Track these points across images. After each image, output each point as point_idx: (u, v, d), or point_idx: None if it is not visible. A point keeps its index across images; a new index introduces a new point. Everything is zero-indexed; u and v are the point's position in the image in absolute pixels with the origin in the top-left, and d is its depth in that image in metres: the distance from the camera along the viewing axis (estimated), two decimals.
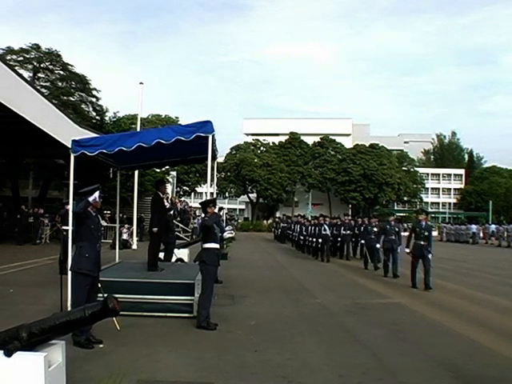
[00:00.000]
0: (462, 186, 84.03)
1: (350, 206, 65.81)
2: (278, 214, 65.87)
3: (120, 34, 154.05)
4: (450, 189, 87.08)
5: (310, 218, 28.39)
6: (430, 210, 74.81)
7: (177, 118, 46.64)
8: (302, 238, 24.63)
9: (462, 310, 10.30)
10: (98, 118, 37.88)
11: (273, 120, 77.07)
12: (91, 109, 38.09)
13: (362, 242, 19.50)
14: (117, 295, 4.81)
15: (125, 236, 23.96)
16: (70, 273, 6.84)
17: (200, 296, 8.04)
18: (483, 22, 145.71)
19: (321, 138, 68.72)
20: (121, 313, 4.88)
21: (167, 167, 31.54)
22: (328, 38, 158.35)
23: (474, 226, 42.70)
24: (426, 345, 7.35)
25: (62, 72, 37.21)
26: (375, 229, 18.08)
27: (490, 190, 72.33)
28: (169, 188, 37.51)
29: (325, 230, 20.37)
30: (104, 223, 25.32)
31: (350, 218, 24.43)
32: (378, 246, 16.19)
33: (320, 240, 20.53)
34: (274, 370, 5.87)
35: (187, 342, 7.02)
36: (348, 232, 21.49)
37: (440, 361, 6.47)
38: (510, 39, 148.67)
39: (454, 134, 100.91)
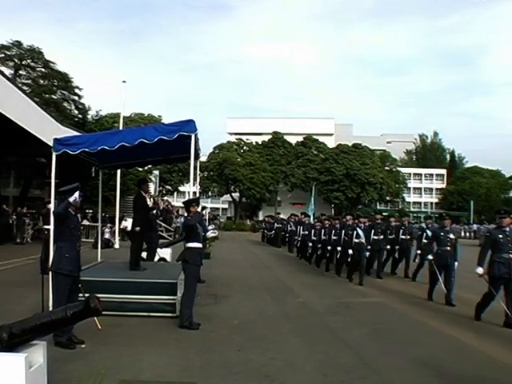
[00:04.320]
0: (444, 185, 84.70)
1: (333, 205, 66.03)
2: (260, 214, 66.00)
3: (103, 32, 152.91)
4: (431, 189, 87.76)
5: (311, 217, 26.21)
6: (412, 209, 75.45)
7: (160, 116, 46.37)
8: (310, 244, 18.81)
9: (444, 308, 10.38)
10: (80, 116, 37.63)
11: (256, 119, 76.98)
12: (73, 107, 37.83)
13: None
14: (99, 295, 4.78)
15: (107, 235, 23.81)
16: (50, 273, 6.78)
17: (183, 295, 8.03)
18: (464, 24, 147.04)
19: (304, 138, 68.78)
20: (103, 313, 4.84)
21: (150, 166, 31.37)
22: (311, 39, 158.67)
23: (457, 226, 43.34)
24: (409, 343, 7.41)
25: (43, 69, 36.86)
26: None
27: (472, 189, 73.03)
28: (151, 187, 37.32)
29: (358, 236, 13.94)
30: (86, 222, 25.21)
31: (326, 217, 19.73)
32: (430, 257, 11.73)
33: (350, 251, 13.94)
34: (257, 370, 5.87)
35: (170, 341, 7.00)
36: (380, 236, 15.41)
37: (423, 359, 6.52)
38: (489, 41, 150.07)
39: (436, 134, 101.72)
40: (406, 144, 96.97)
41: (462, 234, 43.62)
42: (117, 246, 22.60)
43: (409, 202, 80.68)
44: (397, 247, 15.89)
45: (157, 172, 44.20)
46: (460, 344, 7.49)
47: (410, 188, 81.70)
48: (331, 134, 75.86)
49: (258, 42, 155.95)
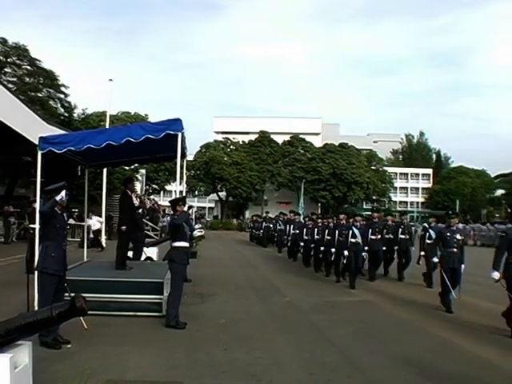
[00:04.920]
0: (430, 185, 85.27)
1: (320, 204, 66.19)
2: (247, 213, 65.96)
3: (90, 30, 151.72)
4: (417, 188, 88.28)
5: (301, 215, 25.11)
6: (398, 208, 75.75)
7: (146, 115, 46.10)
8: (302, 244, 17.81)
9: (430, 307, 10.44)
10: (66, 114, 37.32)
11: (243, 118, 76.92)
12: (59, 105, 37.50)
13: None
14: (85, 294, 4.76)
15: (93, 235, 23.66)
16: (36, 272, 6.75)
17: (169, 295, 8.02)
18: (453, 25, 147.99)
19: (290, 137, 68.79)
20: (89, 312, 4.83)
21: (136, 165, 31.23)
22: (300, 38, 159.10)
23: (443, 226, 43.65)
24: (395, 342, 7.46)
25: (29, 67, 36.50)
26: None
27: (457, 189, 73.55)
28: (138, 186, 37.14)
29: (354, 236, 13.14)
30: (72, 221, 25.04)
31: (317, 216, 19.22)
32: (435, 259, 10.94)
33: (346, 252, 12.98)
34: (243, 369, 5.89)
35: (156, 341, 7.00)
36: (378, 236, 14.59)
37: (408, 358, 6.58)
38: (478, 42, 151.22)
39: (422, 134, 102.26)
40: (392, 144, 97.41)
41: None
42: (103, 245, 22.49)
43: (395, 202, 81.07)
44: (395, 247, 14.86)
45: (143, 171, 43.95)
46: (445, 343, 7.56)
47: (396, 187, 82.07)
48: (318, 134, 76.08)
49: (246, 42, 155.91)
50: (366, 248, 13.64)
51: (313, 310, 9.78)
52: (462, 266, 10.46)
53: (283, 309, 9.87)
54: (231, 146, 67.62)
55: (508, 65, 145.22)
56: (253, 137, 69.20)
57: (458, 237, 10.64)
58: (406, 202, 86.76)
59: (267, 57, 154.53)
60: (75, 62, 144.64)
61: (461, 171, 79.34)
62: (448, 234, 10.56)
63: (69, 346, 6.47)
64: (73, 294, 5.05)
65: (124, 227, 10.43)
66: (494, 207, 73.17)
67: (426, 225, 14.93)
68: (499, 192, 78.04)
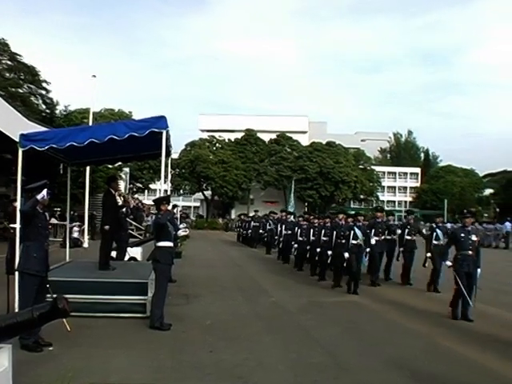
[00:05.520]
0: (418, 184, 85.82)
1: (306, 204, 66.32)
2: (233, 212, 65.97)
3: (73, 25, 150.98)
4: (406, 187, 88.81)
5: (291, 214, 23.53)
6: (386, 208, 76.11)
7: (130, 112, 45.91)
8: (296, 245, 16.81)
9: (420, 308, 10.48)
10: (48, 111, 36.99)
11: (229, 116, 76.84)
12: (41, 101, 37.17)
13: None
14: (67, 295, 4.73)
15: (76, 234, 23.53)
16: (17, 273, 6.69)
17: (153, 295, 8.00)
18: (440, 24, 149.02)
19: (277, 136, 68.83)
20: (71, 314, 4.79)
21: (120, 163, 31.08)
22: (287, 35, 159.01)
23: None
24: (383, 344, 7.50)
25: (9, 62, 36.10)
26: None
27: (445, 188, 74.06)
28: (121, 185, 37.00)
29: (356, 237, 12.38)
30: (54, 221, 24.87)
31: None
32: (448, 263, 10.07)
33: (347, 254, 12.15)
34: (229, 371, 5.89)
35: (140, 342, 6.97)
36: (381, 237, 14.01)
37: (397, 360, 6.61)
38: (464, 40, 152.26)
39: (410, 132, 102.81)
40: (380, 142, 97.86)
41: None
42: (86, 245, 22.37)
43: (383, 201, 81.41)
44: (401, 249, 14.00)
45: (127, 169, 43.79)
46: (436, 345, 7.60)
47: (384, 186, 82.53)
48: (305, 132, 76.23)
49: (234, 39, 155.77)
50: (368, 250, 12.77)
51: (299, 311, 9.80)
52: (478, 270, 9.49)
53: (269, 309, 9.89)
54: (217, 145, 67.57)
55: (496, 63, 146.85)
56: (239, 135, 69.16)
57: (474, 238, 9.76)
58: (393, 202, 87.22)
59: (254, 54, 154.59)
60: (57, 57, 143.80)
61: (449, 170, 79.94)
62: (462, 234, 9.69)
63: (51, 348, 6.42)
64: (55, 295, 5.02)
65: (107, 227, 10.37)
66: (483, 207, 73.71)
67: (433, 224, 13.93)
68: (488, 191, 78.82)
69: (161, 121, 8.40)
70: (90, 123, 21.87)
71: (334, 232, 13.29)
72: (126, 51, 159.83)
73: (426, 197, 77.90)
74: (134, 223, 30.07)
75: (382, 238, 13.96)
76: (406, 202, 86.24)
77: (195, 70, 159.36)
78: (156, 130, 8.31)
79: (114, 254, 11.75)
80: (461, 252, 9.60)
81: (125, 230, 13.20)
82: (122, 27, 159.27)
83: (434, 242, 13.02)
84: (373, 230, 13.58)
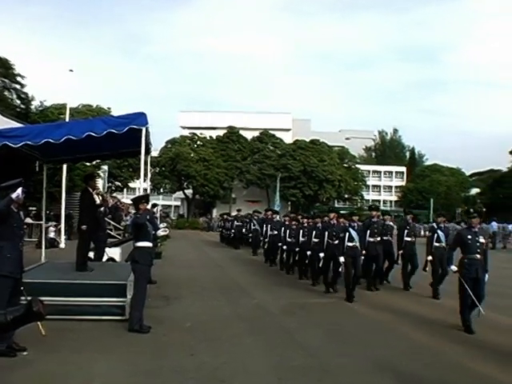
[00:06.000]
0: (404, 183, 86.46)
1: (290, 203, 66.46)
2: (214, 211, 65.86)
3: (49, 17, 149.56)
4: (391, 186, 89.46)
5: (277, 214, 22.84)
6: None
7: (109, 108, 45.65)
8: (285, 247, 16.10)
9: (404, 309, 10.53)
10: (22, 106, 36.64)
11: (210, 113, 76.77)
12: (15, 96, 36.80)
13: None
14: (42, 298, 4.68)
15: (52, 234, 23.32)
16: None
17: (132, 297, 7.97)
18: (426, 20, 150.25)
19: (260, 133, 68.90)
20: (47, 317, 4.74)
21: (98, 161, 30.89)
22: (271, 31, 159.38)
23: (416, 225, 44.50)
24: (367, 345, 7.53)
25: None
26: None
27: (431, 187, 74.58)
28: (100, 183, 36.70)
29: (352, 239, 11.60)
30: (29, 220, 24.61)
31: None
32: (453, 268, 9.11)
33: (342, 259, 11.47)
34: (210, 374, 5.89)
35: (119, 346, 6.94)
36: (377, 238, 13.23)
37: (381, 361, 6.65)
38: (451, 38, 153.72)
39: (395, 131, 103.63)
40: (365, 141, 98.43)
41: (422, 232, 44.65)
42: (62, 245, 22.18)
43: (367, 200, 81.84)
44: (400, 252, 13.26)
45: (105, 167, 43.45)
46: (420, 345, 7.66)
47: (368, 186, 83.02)
48: (288, 130, 76.35)
49: (216, 34, 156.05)
50: (364, 252, 12.08)
51: (282, 312, 9.82)
52: (486, 275, 8.84)
53: (251, 311, 9.90)
54: (198, 142, 67.37)
55: (484, 61, 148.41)
56: (221, 132, 69.11)
57: (482, 240, 9.01)
58: (378, 201, 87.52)
59: (236, 50, 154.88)
60: (32, 50, 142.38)
61: (435, 169, 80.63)
62: (469, 236, 8.88)
63: (25, 353, 6.35)
64: (29, 298, 4.96)
65: (85, 226, 10.30)
66: (469, 206, 74.34)
67: (434, 225, 13.29)
68: (474, 191, 79.56)
69: (140, 117, 8.38)
70: (67, 119, 21.68)
71: (326, 233, 12.68)
72: (105, 45, 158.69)
73: (411, 196, 78.45)
74: (112, 223, 29.92)
75: (378, 239, 13.19)
76: (391, 201, 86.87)
77: (176, 66, 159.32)
78: (135, 126, 8.29)
79: (91, 254, 11.65)
80: (467, 256, 8.79)
81: (103, 229, 13.10)
82: (101, 20, 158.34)
83: (435, 244, 12.40)
84: (368, 231, 12.86)
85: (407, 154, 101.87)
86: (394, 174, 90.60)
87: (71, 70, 22.40)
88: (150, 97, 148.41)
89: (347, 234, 11.56)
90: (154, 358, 6.42)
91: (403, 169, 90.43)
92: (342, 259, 11.44)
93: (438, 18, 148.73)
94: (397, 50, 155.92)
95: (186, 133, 69.51)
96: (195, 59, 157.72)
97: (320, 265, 12.90)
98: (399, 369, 6.37)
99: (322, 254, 12.65)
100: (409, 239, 13.32)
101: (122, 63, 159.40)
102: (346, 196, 72.72)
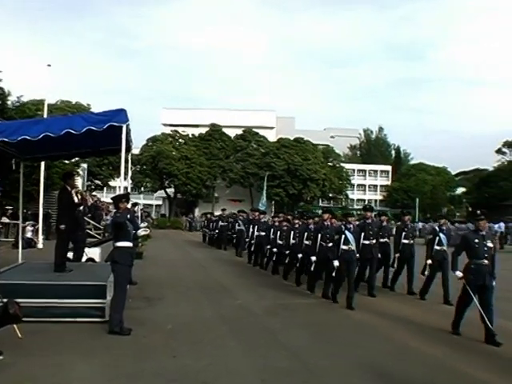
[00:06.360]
0: (389, 182, 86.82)
1: (273, 202, 66.54)
2: (197, 211, 65.74)
3: (26, 10, 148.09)
4: (376, 185, 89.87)
5: (264, 214, 22.52)
6: (355, 206, 76.89)
7: (88, 105, 45.46)
8: (275, 250, 15.48)
9: (389, 310, 10.60)
10: None
11: (193, 110, 76.47)
12: None
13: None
14: (19, 300, 4.65)
15: (29, 234, 23.13)
16: None
17: (112, 299, 7.92)
18: (412, 17, 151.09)
19: (243, 131, 68.85)
20: (24, 319, 4.71)
21: (77, 159, 30.67)
22: (254, 26, 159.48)
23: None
24: (352, 346, 7.57)
25: None
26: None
27: (417, 187, 74.96)
28: (79, 181, 36.44)
29: (347, 242, 10.98)
30: (6, 220, 24.38)
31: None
32: (458, 274, 8.49)
33: (336, 263, 10.87)
34: (193, 377, 5.87)
35: (99, 349, 6.88)
36: (372, 241, 12.58)
37: (366, 362, 6.69)
38: (438, 35, 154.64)
39: (381, 129, 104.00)
40: (350, 139, 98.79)
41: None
42: (40, 245, 22.01)
43: (352, 199, 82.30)
44: (397, 255, 13.01)
45: (85, 165, 43.18)
46: (407, 346, 7.71)
47: (353, 185, 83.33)
48: (272, 128, 76.33)
49: (198, 29, 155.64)
50: (358, 255, 11.49)
51: (266, 313, 9.83)
52: (494, 282, 8.31)
53: (235, 312, 9.89)
54: (180, 140, 67.18)
55: (470, 60, 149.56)
56: (203, 130, 68.95)
57: (490, 244, 8.47)
58: (363, 200, 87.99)
59: (219, 45, 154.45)
60: (8, 44, 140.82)
61: (421, 168, 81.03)
62: (476, 240, 8.37)
63: (1, 357, 6.26)
64: (5, 300, 4.91)
65: (63, 226, 10.22)
66: (455, 206, 75.06)
67: (436, 227, 12.72)
68: (460, 190, 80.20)
69: (121, 114, 8.33)
70: (45, 116, 21.51)
71: (319, 235, 12.06)
72: (84, 40, 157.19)
73: (396, 195, 78.89)
74: (91, 222, 29.77)
75: (374, 241, 12.55)
76: (376, 200, 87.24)
77: (158, 62, 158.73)
78: (116, 123, 8.24)
79: (70, 254, 11.60)
80: (474, 261, 8.29)
81: (82, 229, 13.06)
82: (79, 14, 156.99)
83: (436, 247, 11.96)
84: (362, 233, 12.17)
85: (392, 152, 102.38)
86: (379, 172, 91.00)
87: (49, 65, 22.22)
88: (131, 93, 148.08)
89: (343, 236, 11.00)
90: (135, 361, 6.38)
91: (388, 168, 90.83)
92: (336, 263, 10.82)
93: (425, 15, 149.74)
94: (383, 47, 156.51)
95: (168, 130, 69.22)
96: (178, 55, 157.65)
97: (312, 269, 12.39)
98: (385, 370, 6.41)
99: (313, 258, 12.08)
100: (406, 241, 12.96)
101: (102, 58, 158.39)
102: (331, 195, 72.89)
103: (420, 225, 43.81)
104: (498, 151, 71.38)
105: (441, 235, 12.06)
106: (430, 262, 11.82)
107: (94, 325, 8.08)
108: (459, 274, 8.42)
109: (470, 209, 62.63)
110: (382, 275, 13.59)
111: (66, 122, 8.37)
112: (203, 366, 6.25)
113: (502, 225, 34.92)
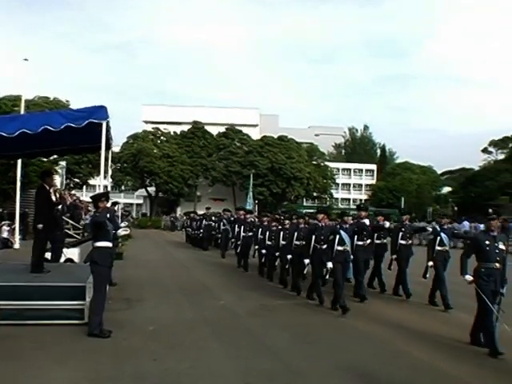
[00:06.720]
0: (374, 181, 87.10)
1: (257, 201, 66.60)
2: (178, 210, 65.67)
3: (1, 1, 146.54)
4: (361, 184, 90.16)
5: (250, 213, 22.35)
6: (340, 206, 77.21)
7: (67, 101, 44.99)
8: (264, 251, 15.04)
9: (374, 311, 10.62)
10: None
11: (174, 107, 76.25)
12: None
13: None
14: None
15: (5, 234, 22.95)
16: None
17: (92, 300, 7.87)
18: (398, 13, 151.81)
19: (226, 129, 68.83)
20: None
21: (55, 156, 30.48)
22: (237, 22, 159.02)
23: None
24: (336, 348, 7.60)
25: None
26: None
27: (402, 186, 75.20)
28: (57, 180, 36.26)
29: (343, 242, 10.60)
30: None
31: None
32: (468, 277, 7.95)
33: (330, 265, 10.38)
34: (175, 380, 5.87)
35: (78, 352, 6.84)
36: (366, 242, 12.52)
37: (350, 364, 6.72)
38: (423, 32, 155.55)
39: (366, 127, 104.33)
40: (334, 137, 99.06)
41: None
42: (17, 245, 21.83)
43: (337, 199, 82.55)
44: (393, 256, 12.45)
45: (63, 163, 42.86)
46: (391, 348, 7.75)
47: (338, 184, 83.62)
48: (256, 125, 76.45)
49: (180, 24, 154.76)
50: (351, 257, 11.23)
51: (249, 314, 9.84)
52: (504, 288, 7.80)
53: (217, 313, 9.88)
54: (161, 137, 67.00)
55: (457, 58, 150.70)
56: (185, 127, 68.88)
57: (501, 246, 7.93)
58: (348, 200, 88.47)
59: (201, 41, 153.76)
60: None
61: (406, 167, 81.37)
62: (487, 242, 7.85)
63: None
64: None
65: (40, 225, 10.15)
66: (441, 205, 75.57)
67: (436, 226, 12.37)
68: (446, 189, 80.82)
69: (100, 111, 8.31)
70: (22, 112, 21.30)
71: (313, 236, 11.34)
72: (62, 33, 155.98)
73: (381, 195, 79.14)
74: (70, 222, 29.58)
75: (368, 242, 12.39)
76: (361, 199, 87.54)
77: (139, 57, 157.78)
78: (95, 120, 8.22)
79: (48, 255, 11.53)
80: (485, 264, 7.80)
81: (60, 229, 12.99)
82: (56, 7, 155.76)
83: (438, 248, 11.52)
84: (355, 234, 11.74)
85: (378, 151, 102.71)
86: (364, 171, 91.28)
87: (26, 59, 22.00)
88: (111, 89, 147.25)
89: (337, 236, 10.59)
90: (115, 364, 6.35)
91: (373, 167, 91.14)
92: (330, 265, 10.35)
93: (410, 11, 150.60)
94: (368, 44, 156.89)
95: (149, 128, 68.99)
96: (160, 51, 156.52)
97: (305, 272, 11.99)
98: (368, 371, 6.43)
99: (307, 261, 11.40)
100: (404, 242, 12.52)
101: (82, 53, 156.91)
102: (315, 194, 73.11)
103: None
104: (484, 150, 72.23)
105: (442, 235, 11.65)
106: (431, 263, 11.36)
107: (73, 327, 8.04)
108: (469, 277, 7.88)
109: (456, 208, 63.24)
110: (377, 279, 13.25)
111: (44, 118, 8.34)
112: (185, 369, 6.24)
113: (467, 223, 35.30)
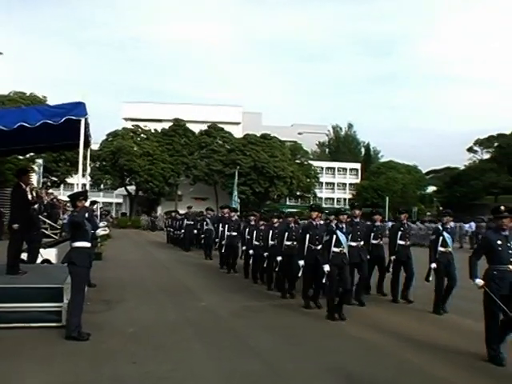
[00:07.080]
0: (358, 180, 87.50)
1: (239, 200, 66.57)
2: (159, 209, 65.52)
3: None
4: (345, 184, 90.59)
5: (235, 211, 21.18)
6: (324, 205, 77.42)
7: (44, 97, 44.76)
8: (251, 252, 14.43)
9: (360, 312, 10.59)
10: None
11: (155, 105, 76.12)
12: None
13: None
14: None
15: None
16: None
17: (69, 302, 7.80)
18: (386, 12, 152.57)
19: (208, 126, 68.89)
20: None
21: (32, 154, 30.27)
22: (218, 19, 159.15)
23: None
24: (321, 349, 7.59)
25: None
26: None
27: (387, 185, 75.58)
28: (34, 178, 36.01)
29: (339, 243, 9.87)
30: None
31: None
32: (478, 281, 7.38)
33: (327, 267, 9.69)
34: (155, 383, 5.81)
35: (55, 355, 6.77)
36: (360, 242, 11.60)
37: (336, 366, 6.71)
38: (412, 31, 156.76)
39: (350, 126, 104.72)
40: (318, 136, 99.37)
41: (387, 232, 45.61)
42: None
43: (321, 198, 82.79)
44: (392, 258, 12.06)
45: (40, 161, 42.66)
46: (377, 350, 7.74)
47: (322, 183, 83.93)
48: (238, 123, 76.58)
49: (161, 20, 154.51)
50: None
51: (232, 316, 9.80)
52: None
53: (199, 315, 9.85)
54: (142, 135, 66.91)
55: (443, 57, 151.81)
56: (166, 125, 68.85)
57: None
58: (332, 199, 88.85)
59: (183, 38, 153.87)
60: None
61: (391, 166, 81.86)
62: (499, 242, 7.35)
63: None
64: None
65: (16, 225, 10.03)
66: (426, 205, 76.18)
67: (439, 226, 11.55)
68: (431, 189, 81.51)
69: (79, 107, 8.26)
70: None
71: (307, 236, 10.91)
72: (41, 28, 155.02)
73: (366, 194, 79.45)
74: (47, 221, 29.32)
75: (362, 243, 11.61)
76: (345, 199, 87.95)
77: (119, 53, 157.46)
78: (73, 117, 8.17)
79: (24, 255, 11.42)
80: (497, 266, 7.31)
81: (37, 228, 12.88)
82: (33, 0, 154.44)
83: (441, 248, 10.82)
84: (349, 234, 10.86)
85: (362, 150, 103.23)
86: (348, 170, 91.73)
87: (1, 53, 21.86)
88: (90, 86, 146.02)
89: (334, 237, 9.90)
90: (94, 367, 6.29)
91: (358, 165, 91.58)
92: (326, 268, 9.71)
93: (398, 9, 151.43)
94: (353, 42, 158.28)
95: (129, 125, 68.88)
96: (140, 46, 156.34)
97: (300, 274, 11.20)
98: (354, 373, 6.43)
99: (301, 262, 10.89)
100: (402, 242, 12.05)
101: (59, 48, 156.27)
102: (298, 193, 73.45)
103: (389, 224, 44.31)
104: (470, 150, 73.08)
105: (445, 235, 10.93)
106: (434, 265, 10.70)
107: (50, 330, 7.95)
108: (480, 281, 7.32)
109: (441, 208, 63.68)
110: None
111: (20, 114, 8.25)
112: (166, 372, 6.20)
113: (473, 224, 35.35)
